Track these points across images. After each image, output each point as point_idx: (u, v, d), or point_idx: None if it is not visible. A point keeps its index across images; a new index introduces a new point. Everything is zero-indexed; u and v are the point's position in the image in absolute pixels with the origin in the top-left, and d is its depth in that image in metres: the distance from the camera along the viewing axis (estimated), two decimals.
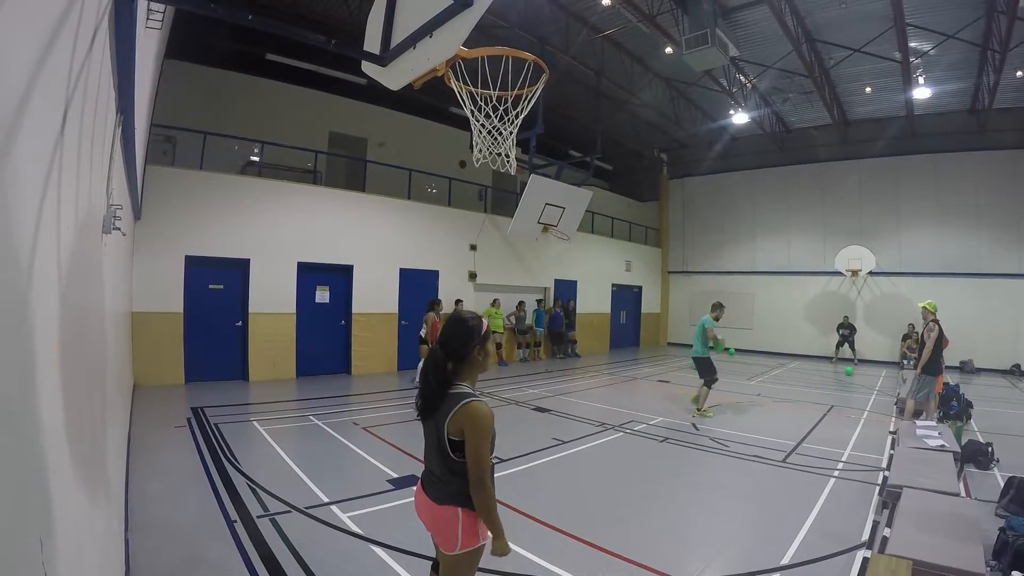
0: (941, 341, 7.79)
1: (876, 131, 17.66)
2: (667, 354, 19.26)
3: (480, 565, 2.38)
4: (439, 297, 11.92)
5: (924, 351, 7.78)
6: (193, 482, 5.11)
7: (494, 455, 2.42)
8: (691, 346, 9.46)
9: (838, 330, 17.99)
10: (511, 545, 2.36)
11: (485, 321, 2.47)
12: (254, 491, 4.91)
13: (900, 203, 17.78)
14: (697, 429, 8.03)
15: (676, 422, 8.44)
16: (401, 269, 12.94)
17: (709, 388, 9.12)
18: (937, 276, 16.85)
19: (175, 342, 9.70)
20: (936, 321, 7.88)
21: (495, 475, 2.39)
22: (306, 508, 4.58)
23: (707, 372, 9.07)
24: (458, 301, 13.46)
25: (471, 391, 2.30)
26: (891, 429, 8.19)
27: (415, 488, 2.46)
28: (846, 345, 17.70)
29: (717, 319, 9.21)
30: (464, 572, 2.31)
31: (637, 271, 21.47)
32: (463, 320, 2.39)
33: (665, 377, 13.41)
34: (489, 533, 2.29)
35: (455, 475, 2.23)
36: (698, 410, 9.02)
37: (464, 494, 2.22)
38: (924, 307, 8.08)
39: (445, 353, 2.32)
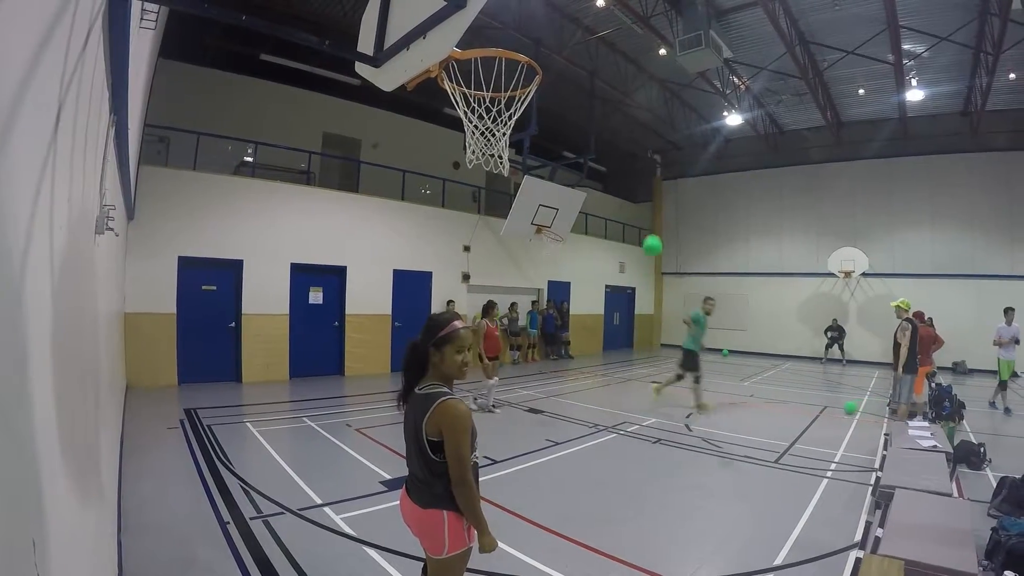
0: (916, 338, 7.83)
1: (869, 133, 17.76)
2: (661, 355, 19.29)
3: (469, 566, 2.37)
4: (431, 299, 11.87)
5: (901, 350, 7.84)
6: (186, 484, 5.09)
7: (481, 455, 2.42)
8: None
9: (826, 333, 18.04)
10: (499, 543, 2.35)
11: (456, 324, 2.33)
12: (247, 493, 4.90)
13: (893, 205, 17.89)
14: (690, 430, 8.06)
15: (669, 423, 8.46)
16: (394, 270, 12.92)
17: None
18: (930, 277, 16.96)
19: (168, 343, 9.65)
20: (909, 320, 7.94)
21: (479, 476, 2.39)
22: (299, 510, 4.57)
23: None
24: (449, 302, 13.47)
25: (445, 389, 2.27)
26: (884, 430, 8.23)
27: (399, 492, 2.45)
28: (835, 347, 17.80)
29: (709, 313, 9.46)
30: (453, 575, 2.32)
31: (631, 272, 21.50)
32: (431, 317, 2.39)
33: (659, 378, 13.41)
34: (476, 533, 2.29)
35: (437, 477, 2.21)
36: (703, 407, 9.11)
37: (448, 496, 2.20)
38: (897, 306, 8.20)
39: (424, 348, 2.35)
